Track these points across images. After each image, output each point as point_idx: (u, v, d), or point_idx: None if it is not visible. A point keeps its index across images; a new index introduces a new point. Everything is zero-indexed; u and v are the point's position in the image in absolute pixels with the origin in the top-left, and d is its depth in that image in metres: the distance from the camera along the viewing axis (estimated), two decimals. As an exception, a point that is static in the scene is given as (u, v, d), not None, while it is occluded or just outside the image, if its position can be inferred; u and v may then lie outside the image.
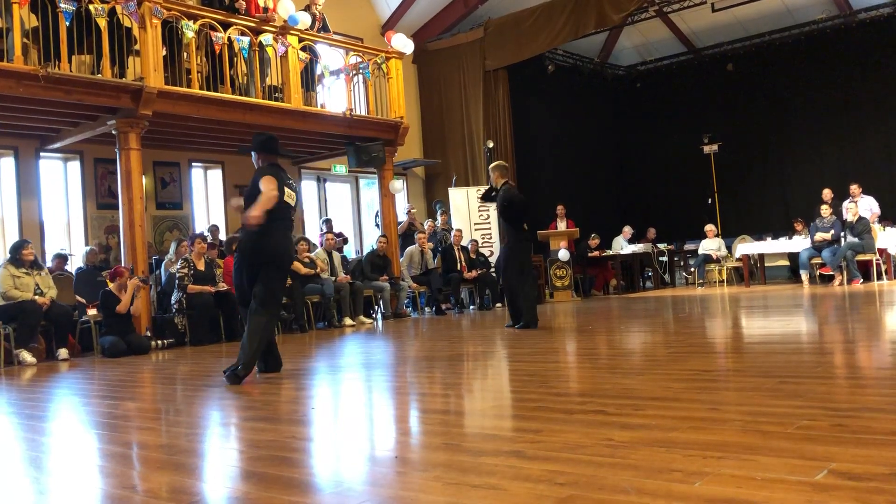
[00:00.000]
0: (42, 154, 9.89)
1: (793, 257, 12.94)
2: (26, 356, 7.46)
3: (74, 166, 10.31)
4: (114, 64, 8.41)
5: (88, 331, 8.38)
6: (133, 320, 8.10)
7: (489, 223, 13.33)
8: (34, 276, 7.87)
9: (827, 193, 12.32)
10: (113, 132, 8.67)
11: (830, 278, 11.69)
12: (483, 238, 13.16)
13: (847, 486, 1.91)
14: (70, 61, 8.04)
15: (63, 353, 7.75)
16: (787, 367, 4.08)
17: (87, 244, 10.02)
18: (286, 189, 5.18)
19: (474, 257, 12.22)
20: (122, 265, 8.34)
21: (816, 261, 11.97)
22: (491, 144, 13.88)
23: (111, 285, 8.01)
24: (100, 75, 8.26)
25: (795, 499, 1.83)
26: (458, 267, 11.88)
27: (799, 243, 12.38)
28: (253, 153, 5.45)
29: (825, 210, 11.92)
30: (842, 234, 11.56)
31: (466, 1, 14.23)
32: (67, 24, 7.87)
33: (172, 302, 8.74)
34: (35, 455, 3.27)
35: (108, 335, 7.86)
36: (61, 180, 10.28)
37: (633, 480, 2.09)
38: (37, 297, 7.70)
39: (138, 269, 8.49)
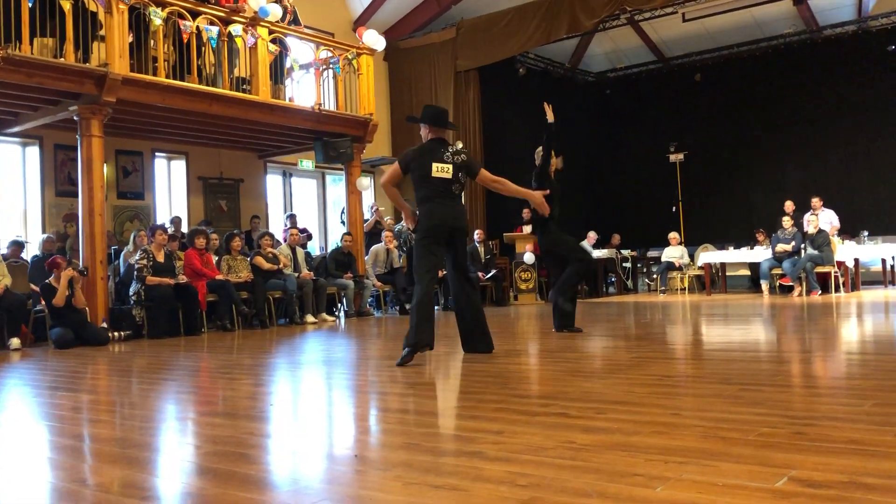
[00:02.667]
0: (0, 138, 9.65)
1: (753, 267, 13.13)
2: (-23, 344, 7.27)
3: (33, 152, 10.07)
4: (77, 48, 8.22)
5: (42, 320, 8.18)
6: (82, 312, 7.91)
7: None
8: (-12, 262, 7.67)
9: (789, 205, 12.51)
10: (75, 118, 8.48)
11: (790, 289, 11.87)
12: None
13: (807, 493, 1.91)
14: (32, 43, 7.85)
15: (15, 342, 7.56)
16: (747, 375, 4.11)
17: (44, 232, 9.80)
18: (436, 165, 5.26)
19: (440, 257, 12.18)
20: (59, 256, 8.12)
21: (777, 271, 12.14)
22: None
23: (52, 277, 7.81)
24: (62, 59, 8.08)
25: (757, 505, 1.83)
26: (423, 267, 11.82)
27: (760, 254, 12.56)
28: (423, 125, 5.46)
29: (787, 222, 12.10)
30: (802, 245, 11.74)
31: (439, 0, 14.20)
32: (30, 5, 7.68)
33: (130, 293, 8.57)
34: (-19, 446, 3.17)
35: (56, 327, 7.69)
36: (19, 166, 10.04)
37: (596, 484, 2.07)
38: (-11, 285, 7.51)
39: (96, 259, 8.31)
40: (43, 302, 7.99)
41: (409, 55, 14.75)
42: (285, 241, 10.75)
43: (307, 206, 13.67)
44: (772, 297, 11.54)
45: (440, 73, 14.40)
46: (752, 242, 13.27)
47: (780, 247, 11.93)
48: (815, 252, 11.50)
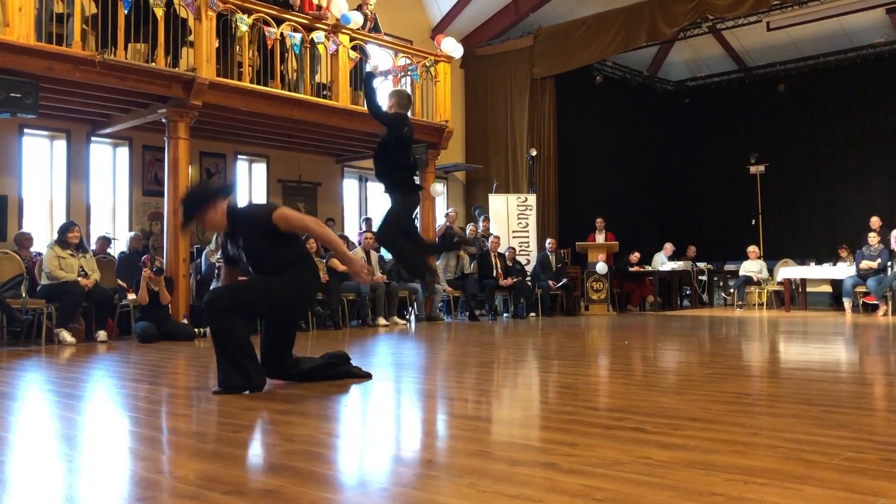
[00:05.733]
0: (93, 138, 10.08)
1: (836, 284, 12.67)
2: (66, 336, 7.59)
3: (123, 152, 10.48)
4: (168, 53, 8.54)
5: (127, 315, 8.50)
6: (166, 308, 8.19)
7: (527, 231, 13.27)
8: (79, 257, 8.00)
9: (875, 221, 12.05)
10: (163, 120, 8.80)
11: (874, 308, 11.43)
12: (521, 246, 13.10)
13: (897, 523, 1.84)
14: (126, 49, 8.19)
15: (102, 335, 7.87)
16: (830, 396, 3.97)
17: (130, 229, 10.17)
18: None
19: (510, 265, 12.17)
20: (147, 256, 8.42)
21: (860, 289, 11.71)
22: (534, 152, 13.83)
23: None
24: (153, 64, 8.39)
25: (843, 533, 1.77)
26: (494, 273, 11.83)
27: (843, 270, 12.13)
28: None
29: (873, 238, 11.66)
30: (889, 263, 11.30)
31: (518, 8, 14.19)
32: (126, 12, 8.01)
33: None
34: (69, 433, 3.30)
35: (142, 321, 7.99)
36: (110, 165, 10.46)
37: (674, 501, 2.03)
38: (80, 279, 7.83)
39: (179, 257, 8.59)
40: (132, 295, 8.30)
41: (485, 62, 14.78)
42: (360, 244, 10.90)
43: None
44: (854, 316, 11.13)
45: (516, 81, 14.39)
46: (834, 258, 12.82)
47: (865, 263, 11.50)
48: (904, 270, 11.05)
